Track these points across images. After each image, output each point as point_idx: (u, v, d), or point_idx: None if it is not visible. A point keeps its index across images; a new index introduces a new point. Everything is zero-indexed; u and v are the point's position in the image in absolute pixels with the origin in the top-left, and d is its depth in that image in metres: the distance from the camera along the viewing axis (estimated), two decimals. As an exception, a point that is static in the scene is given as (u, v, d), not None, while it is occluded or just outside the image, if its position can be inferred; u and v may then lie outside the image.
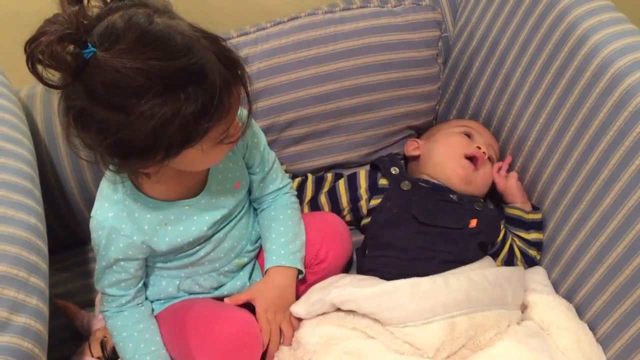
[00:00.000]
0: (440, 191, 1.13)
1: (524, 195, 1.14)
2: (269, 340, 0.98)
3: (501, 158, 1.21)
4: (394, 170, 1.16)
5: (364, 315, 0.95)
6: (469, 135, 1.18)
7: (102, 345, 1.00)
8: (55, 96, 1.13)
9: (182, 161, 0.82)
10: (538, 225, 1.11)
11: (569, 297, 1.03)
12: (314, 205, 1.17)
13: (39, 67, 0.72)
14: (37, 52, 0.71)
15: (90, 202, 1.14)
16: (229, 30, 1.19)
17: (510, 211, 1.14)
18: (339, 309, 0.97)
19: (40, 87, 1.18)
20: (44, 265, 0.89)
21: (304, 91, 1.19)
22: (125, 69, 0.71)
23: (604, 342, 0.96)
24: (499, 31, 1.16)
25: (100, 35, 0.72)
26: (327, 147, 1.26)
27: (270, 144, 1.19)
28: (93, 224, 0.92)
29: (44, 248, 0.91)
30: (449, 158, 1.15)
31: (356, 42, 1.19)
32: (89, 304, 1.10)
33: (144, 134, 0.75)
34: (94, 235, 0.92)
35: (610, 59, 0.95)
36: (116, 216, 0.91)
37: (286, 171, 1.20)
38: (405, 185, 1.12)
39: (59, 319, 1.06)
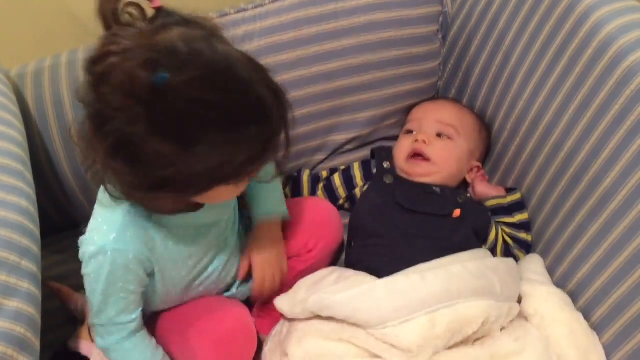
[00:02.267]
0: (422, 185, 1.12)
1: (494, 188, 1.14)
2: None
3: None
4: (386, 165, 1.15)
5: (346, 324, 0.92)
6: (411, 131, 1.18)
7: None
8: (47, 76, 1.13)
9: (209, 195, 0.77)
10: (519, 206, 1.10)
11: (563, 281, 1.02)
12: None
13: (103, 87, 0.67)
14: (112, 77, 0.66)
15: (83, 183, 1.14)
16: (224, 7, 1.16)
17: (488, 204, 1.14)
18: (320, 318, 0.95)
19: (31, 67, 1.15)
20: (35, 249, 0.88)
21: (305, 70, 1.16)
22: (194, 99, 0.66)
23: (599, 327, 0.95)
24: (499, 8, 1.14)
25: (167, 59, 0.66)
26: (329, 127, 1.24)
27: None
28: (90, 250, 0.83)
29: (36, 231, 0.90)
30: (401, 163, 1.15)
31: (357, 20, 1.16)
32: (82, 287, 1.09)
33: (195, 171, 0.70)
34: (91, 264, 0.84)
35: (613, 37, 0.93)
36: (119, 237, 0.83)
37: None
38: (388, 179, 1.11)
39: (53, 302, 1.05)
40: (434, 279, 0.93)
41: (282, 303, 0.99)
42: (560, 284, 1.03)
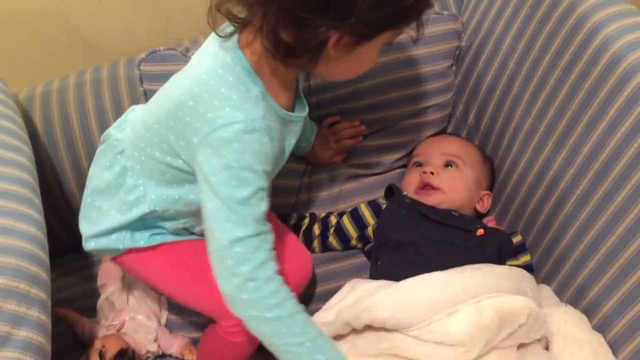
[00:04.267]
0: (441, 210, 1.11)
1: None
2: None
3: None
4: (405, 194, 1.15)
5: (383, 332, 0.89)
6: (419, 164, 1.18)
7: (101, 356, 0.99)
8: (54, 98, 1.13)
9: (369, 48, 0.79)
10: (522, 248, 1.11)
11: (574, 302, 1.01)
12: (325, 244, 1.16)
13: None
14: None
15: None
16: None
17: None
18: (354, 332, 0.92)
19: (39, 89, 1.16)
20: (45, 276, 0.88)
21: (324, 111, 1.18)
22: None
23: (613, 347, 0.94)
24: (504, 27, 1.13)
25: None
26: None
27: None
28: (235, 129, 0.77)
29: (45, 258, 0.90)
30: (412, 195, 1.15)
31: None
32: (92, 309, 1.09)
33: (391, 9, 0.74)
34: (233, 148, 0.78)
35: (622, 53, 0.91)
36: (265, 115, 0.80)
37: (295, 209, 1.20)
38: (408, 199, 1.12)
39: (61, 326, 1.06)
40: (471, 273, 0.92)
41: None
42: (571, 304, 1.01)
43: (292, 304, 0.83)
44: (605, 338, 0.95)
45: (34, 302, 0.83)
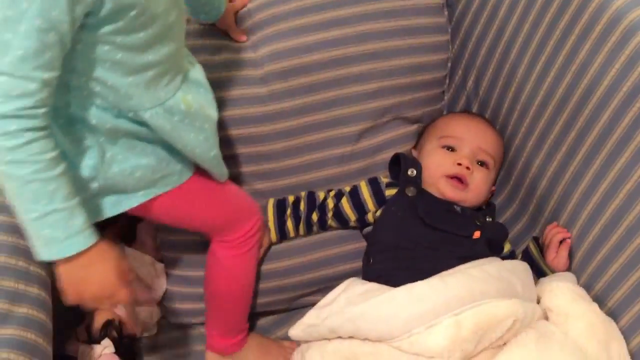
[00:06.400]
0: (444, 202, 1.10)
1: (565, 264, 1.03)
2: None
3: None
4: (411, 172, 1.11)
5: (367, 340, 0.91)
6: (451, 148, 1.13)
7: (87, 330, 0.99)
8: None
9: None
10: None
11: (579, 270, 1.00)
12: (309, 226, 1.15)
13: None
14: None
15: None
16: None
17: (539, 265, 1.06)
18: (340, 337, 0.94)
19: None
20: (44, 252, 0.88)
21: (310, 77, 1.15)
22: None
23: (616, 311, 0.93)
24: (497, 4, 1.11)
25: None
26: (336, 98, 1.18)
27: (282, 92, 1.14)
28: None
29: (44, 234, 0.90)
30: (436, 178, 1.11)
31: (364, 27, 1.15)
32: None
33: None
34: None
35: (622, 11, 0.89)
36: None
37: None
38: (410, 192, 1.09)
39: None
40: (455, 282, 0.92)
41: (295, 330, 0.99)
42: (575, 271, 1.01)
43: None
44: (608, 303, 0.95)
45: (33, 279, 0.83)
